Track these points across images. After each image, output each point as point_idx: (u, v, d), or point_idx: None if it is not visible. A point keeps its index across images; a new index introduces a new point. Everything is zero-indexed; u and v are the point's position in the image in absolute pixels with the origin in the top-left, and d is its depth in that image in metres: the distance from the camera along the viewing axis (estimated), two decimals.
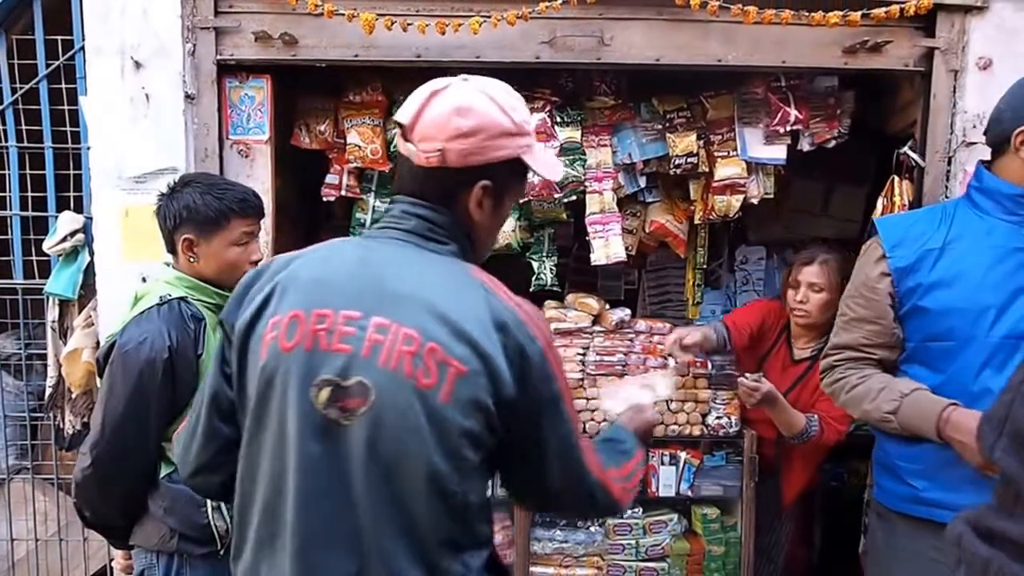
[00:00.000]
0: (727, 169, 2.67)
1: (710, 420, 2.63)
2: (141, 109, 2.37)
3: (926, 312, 1.75)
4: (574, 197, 2.75)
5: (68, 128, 2.66)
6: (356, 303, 1.10)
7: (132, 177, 2.38)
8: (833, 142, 2.71)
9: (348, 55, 2.39)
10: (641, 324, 2.72)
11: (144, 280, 2.24)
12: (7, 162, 2.70)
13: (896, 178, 2.50)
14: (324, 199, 2.79)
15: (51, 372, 2.67)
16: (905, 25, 2.41)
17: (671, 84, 2.75)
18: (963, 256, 1.73)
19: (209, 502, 1.73)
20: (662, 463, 2.64)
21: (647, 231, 2.92)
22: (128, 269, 2.36)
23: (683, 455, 2.64)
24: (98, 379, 1.89)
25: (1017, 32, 2.38)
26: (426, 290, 1.11)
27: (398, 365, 1.06)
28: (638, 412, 1.48)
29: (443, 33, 2.30)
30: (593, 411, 2.61)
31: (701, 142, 2.70)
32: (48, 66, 2.61)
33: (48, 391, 2.70)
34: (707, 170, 2.73)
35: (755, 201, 2.74)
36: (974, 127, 2.36)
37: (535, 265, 2.86)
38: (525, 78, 2.70)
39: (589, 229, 2.74)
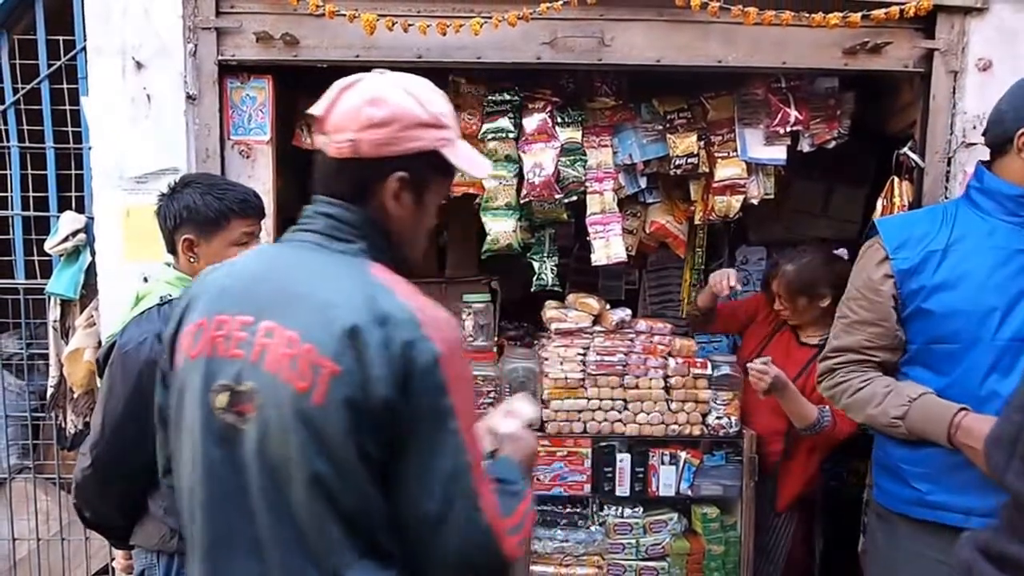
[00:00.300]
0: (727, 170, 2.68)
1: (710, 420, 2.63)
2: (142, 109, 2.38)
3: (930, 314, 1.74)
4: (575, 197, 2.76)
5: (70, 128, 2.67)
6: (250, 308, 1.11)
7: (133, 177, 2.39)
8: (833, 143, 2.72)
9: (349, 56, 2.39)
10: (642, 324, 2.72)
11: (145, 280, 2.25)
12: (9, 162, 2.71)
13: (896, 179, 2.50)
14: None
15: (53, 372, 2.68)
16: (905, 26, 2.41)
17: (672, 85, 2.76)
18: (966, 257, 1.72)
19: None
20: (662, 463, 2.65)
21: (647, 232, 2.93)
22: (129, 269, 2.36)
23: (683, 455, 2.65)
24: (98, 379, 1.89)
25: (1017, 33, 2.38)
26: (316, 291, 1.09)
27: (278, 369, 1.05)
28: (515, 441, 1.36)
29: (444, 34, 2.30)
30: (594, 411, 2.62)
31: (701, 143, 2.70)
32: (50, 66, 2.62)
33: (50, 391, 2.71)
34: (707, 171, 2.73)
35: (755, 202, 2.75)
36: (974, 128, 2.37)
37: (536, 265, 2.87)
38: (526, 79, 2.72)
39: (590, 229, 2.74)
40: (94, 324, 2.54)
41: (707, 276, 3.31)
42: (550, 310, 2.78)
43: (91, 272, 2.54)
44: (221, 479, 1.09)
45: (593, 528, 2.68)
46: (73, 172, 2.68)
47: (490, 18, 2.29)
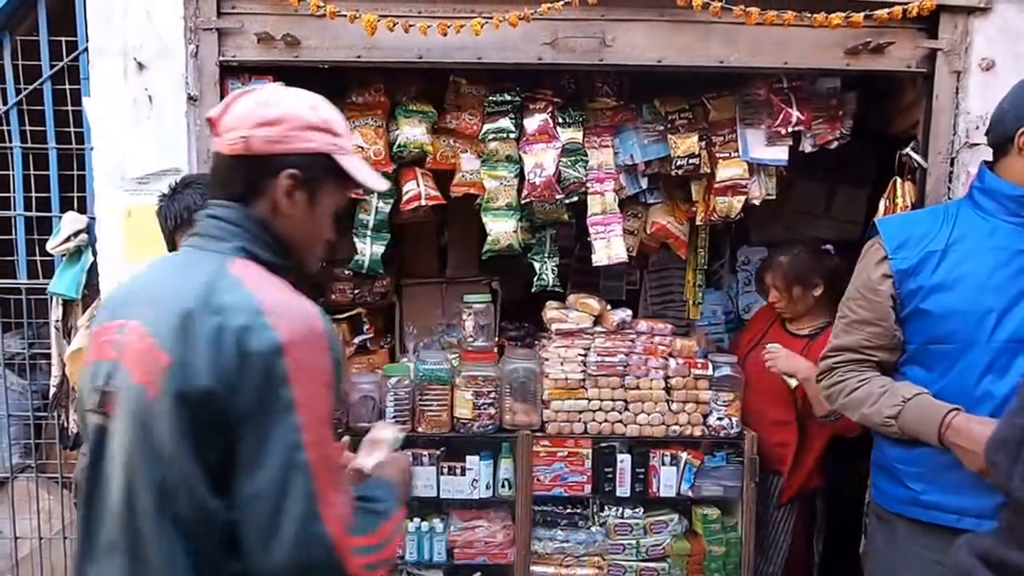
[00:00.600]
0: (729, 170, 2.67)
1: (711, 421, 2.63)
2: (144, 110, 2.38)
3: (928, 315, 1.74)
4: (576, 198, 2.76)
5: (72, 129, 2.67)
6: (124, 312, 1.14)
7: (135, 178, 2.39)
8: (835, 143, 2.71)
9: (350, 56, 2.40)
10: (643, 325, 2.72)
11: None
12: (11, 163, 2.72)
13: (898, 179, 2.49)
14: None
15: (55, 371, 2.69)
16: (907, 26, 2.40)
17: (673, 85, 2.76)
18: (966, 258, 1.72)
19: None
20: (663, 463, 2.65)
21: (648, 232, 2.93)
22: (130, 269, 2.35)
23: (684, 455, 2.65)
24: None
25: (1020, 33, 2.37)
26: (169, 289, 1.11)
27: (131, 365, 1.07)
28: (389, 464, 1.34)
29: (445, 34, 2.30)
30: (595, 412, 2.62)
31: (703, 143, 2.70)
32: (52, 67, 2.63)
33: (52, 390, 2.71)
34: (709, 171, 2.73)
35: (757, 202, 2.75)
36: (977, 128, 2.36)
37: (537, 266, 2.87)
38: (527, 79, 2.71)
39: (591, 230, 2.74)
40: None
41: (708, 276, 3.32)
42: (551, 310, 2.78)
43: (93, 272, 2.55)
44: (104, 481, 1.11)
45: (593, 529, 2.68)
46: (75, 173, 2.69)
47: (491, 18, 2.29)
